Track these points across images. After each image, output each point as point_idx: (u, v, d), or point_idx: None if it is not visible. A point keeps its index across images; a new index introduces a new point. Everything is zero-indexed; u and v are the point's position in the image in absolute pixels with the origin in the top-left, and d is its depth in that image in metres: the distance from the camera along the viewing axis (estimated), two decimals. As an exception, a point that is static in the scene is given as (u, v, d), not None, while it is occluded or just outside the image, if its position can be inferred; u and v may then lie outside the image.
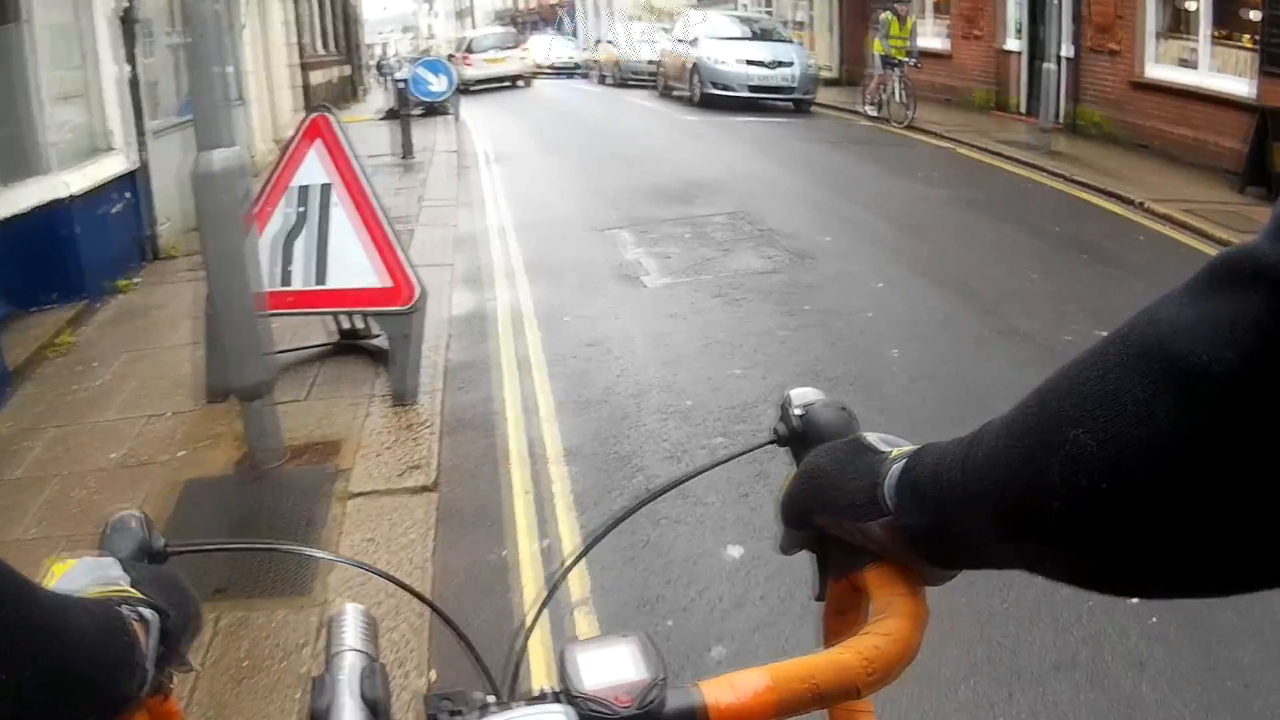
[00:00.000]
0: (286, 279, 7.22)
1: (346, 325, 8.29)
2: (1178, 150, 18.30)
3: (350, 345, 8.31)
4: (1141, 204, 14.71)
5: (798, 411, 1.27)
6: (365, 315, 7.89)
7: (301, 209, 7.23)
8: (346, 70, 35.28)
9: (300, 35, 25.98)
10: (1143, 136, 19.25)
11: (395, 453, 6.48)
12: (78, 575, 1.04)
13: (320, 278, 7.22)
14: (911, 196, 15.08)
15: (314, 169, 7.23)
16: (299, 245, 7.23)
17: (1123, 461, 0.73)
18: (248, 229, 6.17)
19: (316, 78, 28.15)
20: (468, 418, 7.30)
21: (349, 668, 1.10)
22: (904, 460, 1.03)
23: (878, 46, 23.60)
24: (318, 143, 7.20)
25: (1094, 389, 0.76)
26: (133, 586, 1.05)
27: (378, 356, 7.94)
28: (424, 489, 6.09)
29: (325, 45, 31.52)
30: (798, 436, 1.26)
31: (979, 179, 16.96)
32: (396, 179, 16.45)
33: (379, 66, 51.94)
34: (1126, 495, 0.73)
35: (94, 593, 1.02)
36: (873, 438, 1.11)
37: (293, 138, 7.43)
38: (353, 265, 7.17)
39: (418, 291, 7.12)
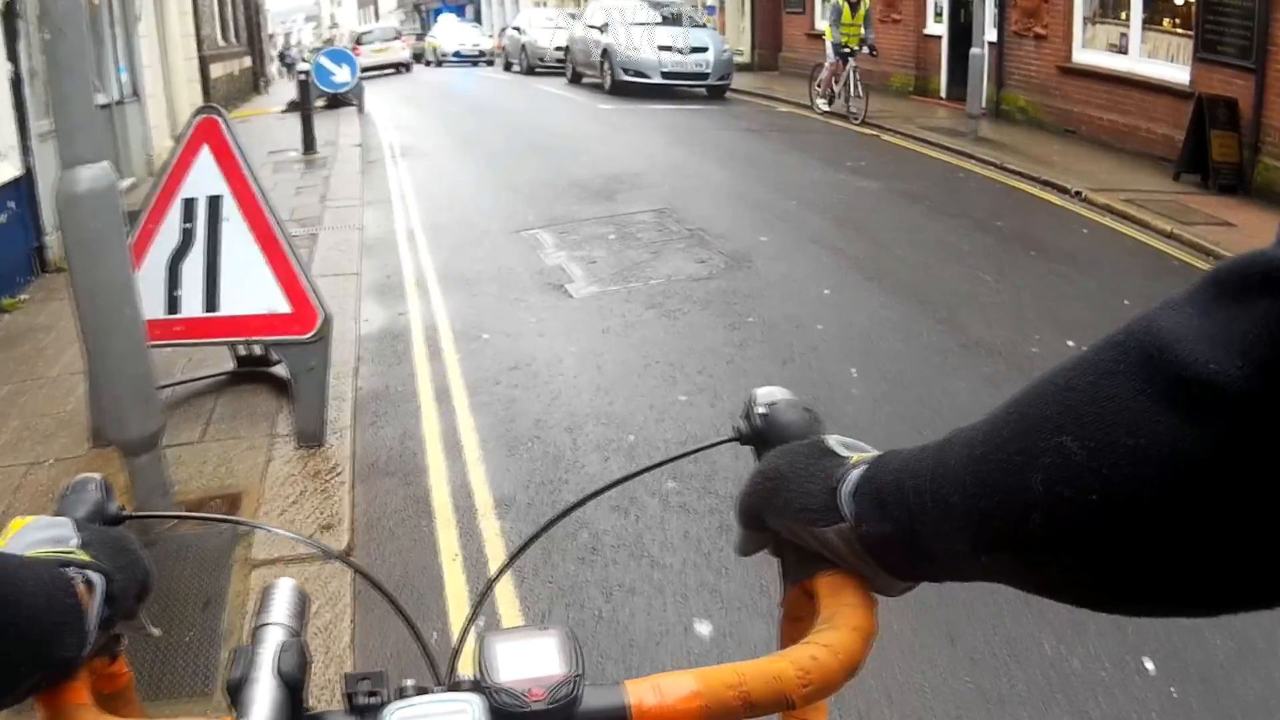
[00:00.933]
0: (174, 306, 6.25)
1: (244, 351, 7.37)
2: (1107, 136, 18.25)
3: (250, 373, 7.42)
4: (1079, 193, 14.57)
5: (761, 410, 1.25)
6: (264, 345, 7.00)
7: (189, 225, 6.26)
8: (249, 62, 34.16)
9: (200, 26, 24.97)
10: (1070, 122, 19.16)
11: (302, 508, 5.64)
12: (29, 533, 1.07)
13: (212, 304, 6.26)
14: (844, 188, 14.53)
15: (203, 178, 6.26)
16: (187, 267, 6.27)
17: (1114, 472, 0.71)
18: (127, 258, 5.34)
19: (218, 70, 27.20)
20: (383, 461, 6.43)
21: (270, 641, 1.07)
22: (864, 466, 1.00)
23: (829, 33, 21.71)
24: (205, 148, 6.22)
25: (1084, 395, 0.74)
26: (82, 548, 1.06)
27: (281, 386, 7.04)
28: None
29: (227, 36, 30.47)
30: (760, 436, 1.24)
31: (910, 168, 16.55)
32: (299, 176, 15.57)
33: (281, 56, 51.38)
34: (1117, 508, 0.71)
35: (42, 553, 1.03)
36: (834, 441, 1.09)
37: (179, 142, 6.46)
38: (248, 288, 6.25)
39: (321, 317, 6.21)
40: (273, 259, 6.22)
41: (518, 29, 37.19)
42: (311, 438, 6.36)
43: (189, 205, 6.26)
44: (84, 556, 1.04)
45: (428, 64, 48.03)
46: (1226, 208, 14.42)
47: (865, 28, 21.26)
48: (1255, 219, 13.92)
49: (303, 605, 1.15)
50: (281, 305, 6.23)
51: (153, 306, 5.95)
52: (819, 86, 22.48)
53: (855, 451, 1.06)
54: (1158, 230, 12.81)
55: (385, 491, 6.03)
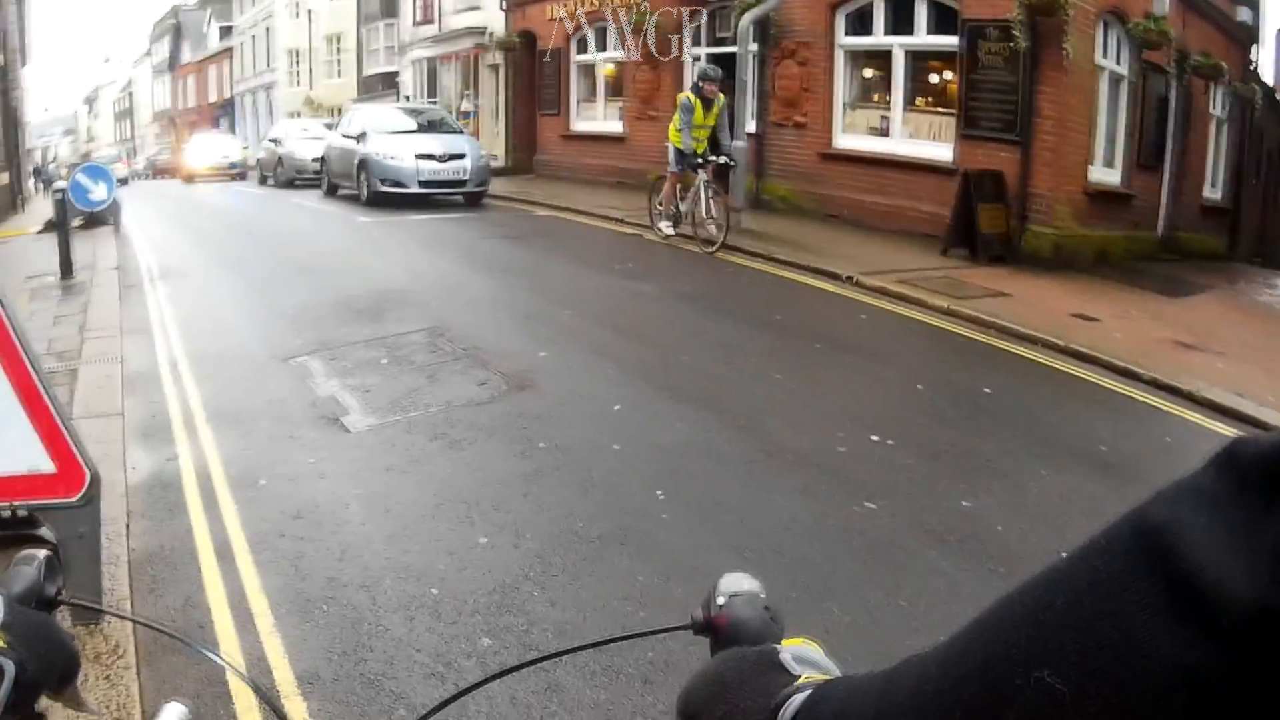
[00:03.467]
0: None
1: (7, 514, 6.60)
2: (872, 219, 18.58)
3: (13, 536, 6.64)
4: (850, 278, 14.56)
5: (719, 601, 1.22)
6: (28, 509, 6.24)
7: None
8: (6, 179, 32.68)
9: (-41, 142, 23.77)
10: (833, 207, 19.42)
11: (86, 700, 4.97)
12: None
13: None
14: (618, 292, 14.36)
15: None
16: None
17: (1109, 709, 0.60)
18: None
19: (-25, 188, 25.84)
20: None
21: None
22: (809, 691, 0.92)
23: (674, 137, 17.95)
24: None
25: (1064, 616, 0.64)
26: (3, 630, 1.11)
27: (50, 548, 6.28)
28: (129, 763, 4.61)
29: (-15, 152, 29.10)
30: (714, 629, 1.21)
31: (678, 266, 16.56)
32: (56, 304, 14.60)
33: (36, 172, 50.05)
34: None
35: None
36: (788, 655, 1.03)
37: None
38: (6, 445, 5.55)
39: (88, 476, 5.57)
40: (33, 411, 5.54)
41: (275, 140, 36.24)
42: (87, 614, 5.67)
43: (-63, 349, 5.57)
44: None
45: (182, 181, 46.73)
46: (998, 278, 14.79)
47: (722, 132, 17.93)
48: (1027, 286, 14.29)
49: None
50: (45, 464, 5.58)
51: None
52: (659, 205, 18.93)
53: (808, 668, 1.01)
54: (935, 307, 13.01)
55: (175, 673, 5.35)
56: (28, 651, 1.11)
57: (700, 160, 17.56)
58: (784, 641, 1.09)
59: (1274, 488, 0.59)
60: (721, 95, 17.88)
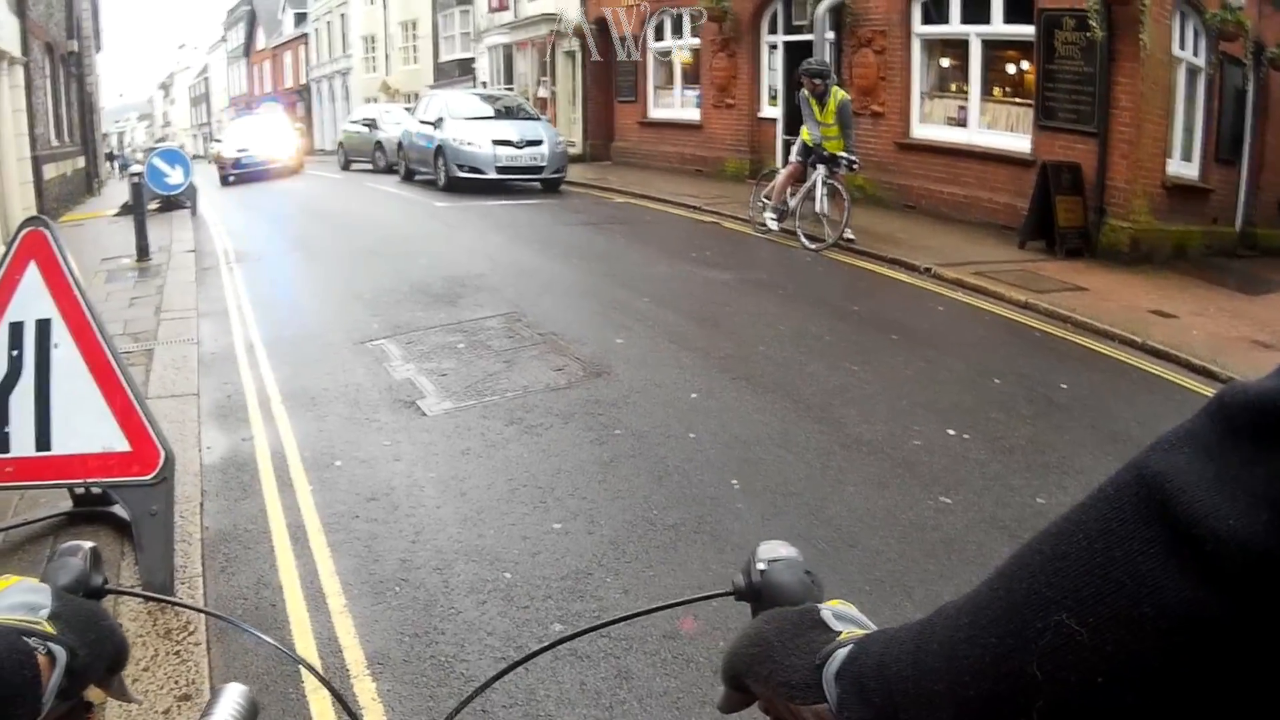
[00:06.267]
0: (3, 444, 5.65)
1: (81, 490, 6.66)
2: (948, 209, 18.45)
3: (89, 513, 6.72)
4: (929, 270, 14.49)
5: (760, 566, 1.22)
6: (102, 487, 6.31)
7: (15, 352, 5.62)
8: (82, 162, 33.04)
9: (34, 126, 24.03)
10: (910, 197, 19.33)
11: (156, 676, 5.01)
12: (8, 596, 1.13)
13: (44, 441, 5.64)
14: (694, 281, 14.28)
15: (30, 299, 5.62)
16: (16, 399, 5.65)
17: (1121, 650, 0.64)
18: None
19: (51, 171, 26.24)
20: (240, 614, 5.75)
21: None
22: (851, 645, 0.95)
23: (806, 135, 17.05)
24: (32, 265, 5.58)
25: (1078, 563, 0.68)
26: (53, 619, 1.12)
27: (124, 526, 6.30)
28: (199, 736, 4.61)
29: (60, 136, 29.48)
30: (755, 593, 1.21)
31: (754, 255, 16.50)
32: (132, 286, 14.73)
33: (110, 157, 50.14)
34: (1129, 689, 0.64)
35: (9, 620, 1.09)
36: (828, 612, 1.05)
37: (4, 258, 5.71)
38: (82, 424, 5.63)
39: (163, 456, 5.62)
40: (108, 390, 5.62)
41: (369, 124, 35.85)
42: (159, 590, 5.74)
43: (16, 330, 5.63)
44: (49, 629, 1.09)
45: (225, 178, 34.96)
46: (1075, 272, 14.66)
47: (844, 131, 16.69)
48: (1105, 281, 14.12)
49: (253, 714, 1.19)
50: (119, 443, 5.64)
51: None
52: (766, 197, 18.05)
53: (849, 625, 1.03)
54: (1012, 301, 12.92)
55: (245, 651, 5.39)
56: (78, 639, 1.11)
57: (826, 155, 16.62)
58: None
59: (1262, 434, 0.62)
60: (839, 91, 16.90)
